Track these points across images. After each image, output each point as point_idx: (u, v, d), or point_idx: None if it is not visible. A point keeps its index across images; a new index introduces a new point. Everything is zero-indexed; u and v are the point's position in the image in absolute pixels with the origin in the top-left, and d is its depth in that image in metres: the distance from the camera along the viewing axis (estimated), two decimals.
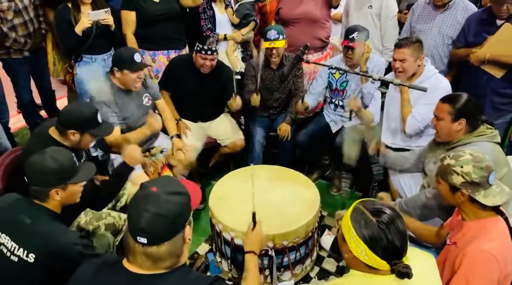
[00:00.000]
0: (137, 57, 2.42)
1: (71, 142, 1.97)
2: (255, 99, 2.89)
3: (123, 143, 2.34)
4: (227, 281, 2.29)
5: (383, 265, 1.19)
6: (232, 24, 3.26)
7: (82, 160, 2.17)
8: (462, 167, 1.57)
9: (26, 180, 1.59)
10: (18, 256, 1.48)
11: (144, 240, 1.09)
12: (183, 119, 2.98)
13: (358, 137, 2.24)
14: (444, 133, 2.04)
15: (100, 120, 2.02)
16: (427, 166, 2.22)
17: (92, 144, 2.44)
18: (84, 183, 1.70)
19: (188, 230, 1.18)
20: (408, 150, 2.53)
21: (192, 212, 1.24)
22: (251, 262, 1.64)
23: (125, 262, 1.16)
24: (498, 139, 1.98)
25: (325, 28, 3.23)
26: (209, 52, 2.69)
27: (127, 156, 2.03)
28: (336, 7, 3.28)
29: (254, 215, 1.76)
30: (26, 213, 1.54)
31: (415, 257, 1.27)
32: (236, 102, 2.85)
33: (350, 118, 2.91)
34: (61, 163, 1.59)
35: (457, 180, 1.57)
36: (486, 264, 1.45)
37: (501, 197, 1.55)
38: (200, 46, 2.69)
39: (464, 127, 1.96)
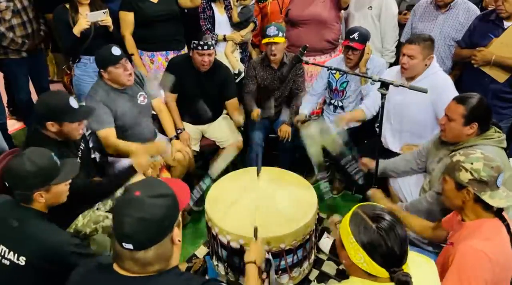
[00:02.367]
0: (115, 51, 2.37)
1: (56, 134, 1.94)
2: (255, 114, 2.93)
3: (125, 151, 2.39)
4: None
5: (382, 272, 1.16)
6: (232, 25, 3.24)
7: (79, 150, 2.14)
8: (472, 163, 1.53)
9: (6, 185, 1.56)
10: (9, 260, 1.47)
11: (130, 246, 1.07)
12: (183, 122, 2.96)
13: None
14: (453, 135, 2.00)
15: (74, 105, 1.97)
16: (431, 165, 2.17)
17: (85, 131, 2.44)
18: (70, 181, 1.66)
19: (176, 232, 1.15)
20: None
21: (184, 213, 1.22)
22: (251, 272, 1.65)
23: (115, 266, 1.14)
24: (504, 144, 1.94)
25: (334, 30, 3.20)
26: (205, 47, 2.66)
27: (136, 163, 2.11)
28: (345, 9, 3.26)
29: (256, 230, 1.81)
30: (13, 216, 1.52)
31: (415, 262, 1.25)
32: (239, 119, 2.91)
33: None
34: (40, 165, 1.55)
35: (464, 176, 1.54)
36: (477, 262, 1.42)
37: (507, 201, 1.52)
38: (196, 42, 2.66)
39: (475, 131, 1.93)
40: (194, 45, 2.68)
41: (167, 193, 1.14)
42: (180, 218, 1.18)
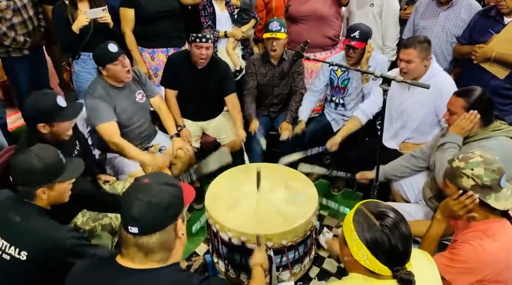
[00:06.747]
0: (112, 47, 2.37)
1: (49, 135, 1.92)
2: (254, 124, 2.89)
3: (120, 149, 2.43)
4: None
5: (385, 270, 1.14)
6: (233, 21, 3.23)
7: (75, 151, 2.13)
8: (472, 169, 1.50)
9: (11, 180, 1.55)
10: (10, 254, 1.46)
11: (135, 230, 1.09)
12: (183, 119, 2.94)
13: None
14: None
15: (62, 104, 1.93)
16: (435, 161, 2.15)
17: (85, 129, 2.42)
18: (73, 180, 1.65)
19: (180, 224, 1.18)
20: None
21: (186, 208, 1.23)
22: (258, 275, 1.70)
23: (118, 258, 1.17)
24: None
25: (334, 26, 3.19)
26: (203, 39, 2.64)
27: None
28: (345, 5, 3.24)
29: (258, 238, 1.89)
30: (16, 211, 1.51)
31: (417, 261, 1.23)
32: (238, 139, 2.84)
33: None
34: (47, 161, 1.54)
35: (467, 183, 1.51)
36: (482, 259, 1.42)
37: None
38: (194, 35, 2.65)
39: (478, 122, 1.91)
40: (193, 37, 2.66)
41: (174, 183, 1.19)
42: (184, 213, 1.21)
